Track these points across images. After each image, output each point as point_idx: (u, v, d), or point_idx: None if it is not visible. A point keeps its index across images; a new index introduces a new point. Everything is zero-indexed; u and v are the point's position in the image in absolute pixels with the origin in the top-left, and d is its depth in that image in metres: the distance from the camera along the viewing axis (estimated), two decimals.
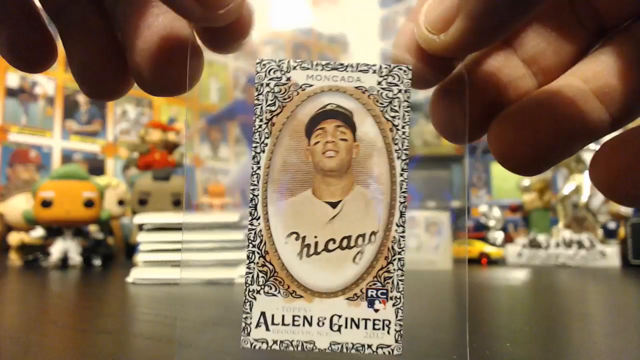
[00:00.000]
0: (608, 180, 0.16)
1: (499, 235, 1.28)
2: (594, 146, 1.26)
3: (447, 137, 0.20)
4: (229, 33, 0.18)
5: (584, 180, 1.19)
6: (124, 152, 1.82)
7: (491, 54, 0.19)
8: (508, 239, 1.32)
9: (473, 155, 1.86)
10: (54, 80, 1.78)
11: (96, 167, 1.82)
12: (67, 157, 1.79)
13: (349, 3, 2.70)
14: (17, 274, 0.81)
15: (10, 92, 1.68)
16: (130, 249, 1.05)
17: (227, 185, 2.01)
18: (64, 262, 0.92)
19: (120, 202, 1.20)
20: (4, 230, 1.15)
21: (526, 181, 1.40)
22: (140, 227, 0.70)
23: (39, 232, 1.00)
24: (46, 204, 0.91)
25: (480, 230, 1.31)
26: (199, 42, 0.18)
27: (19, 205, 1.11)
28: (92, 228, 1.04)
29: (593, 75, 0.17)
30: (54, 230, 0.95)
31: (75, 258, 0.92)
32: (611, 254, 1.03)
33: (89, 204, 0.93)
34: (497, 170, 1.83)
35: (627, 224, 1.02)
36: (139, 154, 1.26)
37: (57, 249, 0.92)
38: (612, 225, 1.28)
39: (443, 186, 1.99)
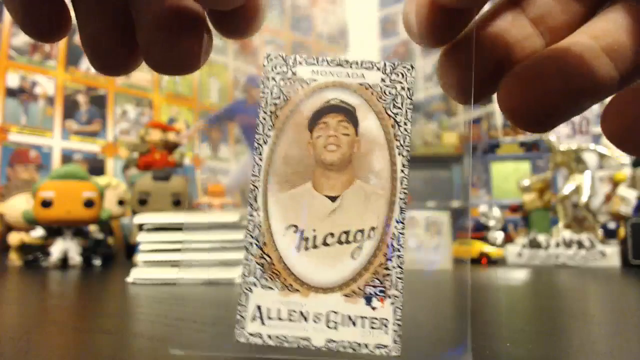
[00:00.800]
0: (619, 130, 0.16)
1: (499, 235, 1.28)
2: (593, 146, 1.26)
3: (455, 97, 0.20)
4: (239, 17, 0.17)
5: (584, 180, 1.19)
6: (124, 152, 1.82)
7: (499, 13, 0.19)
8: (508, 239, 1.32)
9: (473, 156, 1.86)
10: (54, 80, 1.78)
11: (96, 167, 1.82)
12: (67, 157, 1.79)
13: (349, 3, 2.70)
14: (17, 274, 0.81)
15: (10, 92, 1.68)
16: (130, 249, 1.05)
17: (227, 185, 2.01)
18: (64, 262, 0.92)
19: (120, 202, 1.20)
20: (4, 230, 1.15)
21: (526, 181, 1.40)
22: (140, 227, 0.70)
23: (39, 232, 1.00)
24: (46, 204, 0.91)
25: (480, 230, 1.31)
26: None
27: (19, 205, 1.11)
28: (92, 228, 1.04)
29: (602, 33, 0.17)
30: (54, 230, 0.95)
31: (75, 258, 0.92)
32: (611, 254, 1.03)
33: (89, 204, 0.93)
34: (497, 170, 1.82)
35: (627, 224, 1.02)
36: (139, 154, 1.26)
37: (57, 249, 0.92)
38: (612, 225, 1.28)
39: (443, 186, 1.99)
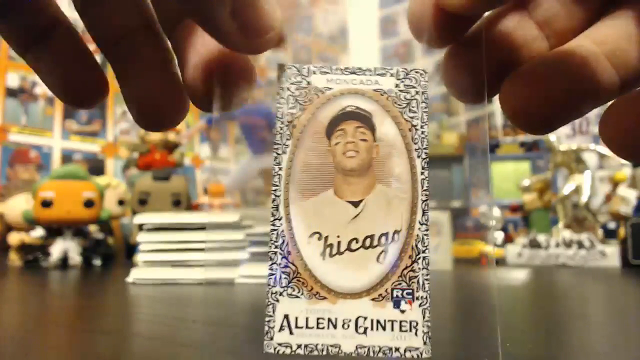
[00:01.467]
0: (617, 135, 0.16)
1: (499, 235, 1.28)
2: (593, 146, 1.26)
3: (459, 96, 0.20)
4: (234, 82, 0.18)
5: (584, 180, 1.19)
6: (124, 152, 1.82)
7: (506, 15, 0.19)
8: (508, 239, 1.32)
9: (473, 156, 1.86)
10: None
11: (96, 167, 1.83)
12: (67, 157, 1.79)
13: (349, 3, 2.70)
14: (17, 274, 0.81)
15: (10, 92, 1.68)
16: (130, 249, 1.05)
17: (227, 185, 2.01)
18: (64, 262, 0.92)
19: (120, 202, 1.20)
20: (4, 230, 1.15)
21: (526, 181, 1.40)
22: (140, 227, 0.70)
23: (39, 232, 1.00)
24: (46, 204, 0.91)
25: (480, 230, 1.31)
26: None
27: (19, 205, 1.11)
28: (92, 228, 1.04)
29: (605, 39, 0.17)
30: (54, 230, 0.95)
31: (75, 258, 0.92)
32: (611, 254, 1.03)
33: (89, 204, 0.93)
34: (497, 170, 1.82)
35: (627, 224, 1.02)
36: (139, 154, 1.26)
37: (57, 249, 0.92)
38: (612, 225, 1.28)
39: (443, 186, 1.99)
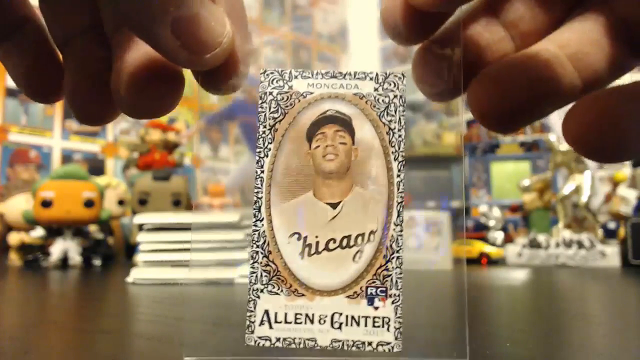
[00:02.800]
0: (577, 134, 0.17)
1: (499, 235, 1.28)
2: None
3: (430, 95, 0.21)
4: (217, 73, 0.18)
5: (584, 180, 1.19)
6: (124, 152, 1.81)
7: (473, 16, 0.20)
8: (508, 239, 1.32)
9: (473, 155, 1.86)
10: None
11: (96, 167, 1.82)
12: (67, 157, 1.79)
13: (349, 3, 2.70)
14: (17, 274, 0.81)
15: (10, 92, 1.68)
16: (130, 249, 1.05)
17: (227, 185, 2.01)
18: (64, 262, 0.92)
19: (120, 202, 1.20)
20: (4, 230, 1.15)
21: (526, 181, 1.40)
22: (140, 227, 0.70)
23: (39, 232, 1.00)
24: (46, 204, 0.91)
25: (480, 230, 1.31)
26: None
27: (19, 205, 1.11)
28: (92, 228, 1.04)
29: (568, 42, 0.18)
30: (54, 230, 0.95)
31: (75, 258, 0.92)
32: (611, 254, 1.03)
33: (89, 204, 0.93)
34: (497, 170, 1.82)
35: (627, 224, 1.02)
36: (139, 154, 1.26)
37: (57, 249, 0.92)
38: (612, 225, 1.28)
39: (443, 186, 1.99)
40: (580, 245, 1.06)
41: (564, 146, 1.25)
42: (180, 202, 1.05)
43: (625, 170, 1.29)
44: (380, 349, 0.20)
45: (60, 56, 0.20)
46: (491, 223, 1.31)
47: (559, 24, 0.19)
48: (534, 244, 1.09)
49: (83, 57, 0.19)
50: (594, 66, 0.18)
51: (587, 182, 1.18)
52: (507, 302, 0.53)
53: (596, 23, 0.18)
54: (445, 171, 2.06)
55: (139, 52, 0.17)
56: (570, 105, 0.18)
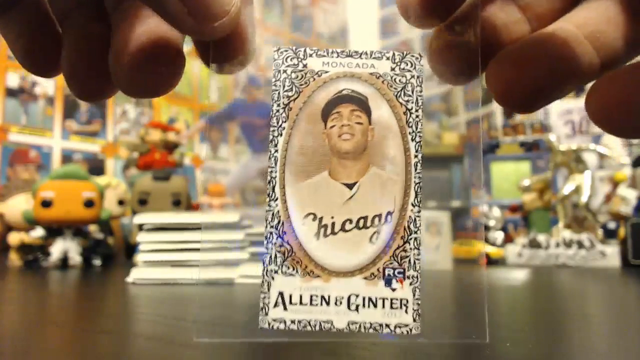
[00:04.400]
0: (600, 111, 0.17)
1: (499, 235, 1.28)
2: (593, 146, 1.26)
3: (446, 77, 0.21)
4: (224, 49, 0.18)
5: (584, 180, 1.19)
6: (124, 152, 1.82)
7: None
8: (508, 239, 1.32)
9: (473, 156, 1.86)
10: (53, 80, 1.78)
11: (96, 167, 1.82)
12: (67, 157, 1.79)
13: (349, 3, 2.70)
14: (17, 274, 0.81)
15: (10, 92, 1.68)
16: (130, 249, 1.05)
17: (227, 185, 2.01)
18: (64, 262, 0.92)
19: (120, 202, 1.20)
20: (4, 230, 1.14)
21: (526, 181, 1.40)
22: (140, 227, 0.70)
23: (39, 232, 1.00)
24: (46, 204, 0.91)
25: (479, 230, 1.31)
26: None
27: (19, 205, 1.11)
28: (92, 228, 1.04)
29: (585, 22, 0.18)
30: (54, 230, 0.95)
31: (75, 258, 0.92)
32: (611, 254, 1.03)
33: (89, 204, 0.93)
34: (497, 170, 1.82)
35: (627, 224, 1.02)
36: (139, 154, 1.26)
37: (57, 249, 0.92)
38: (612, 225, 1.28)
39: (443, 186, 1.99)
40: (580, 245, 1.05)
41: (564, 146, 1.25)
42: (180, 202, 1.05)
43: (625, 170, 1.29)
44: (398, 331, 0.20)
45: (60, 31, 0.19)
46: (491, 223, 1.31)
47: (574, 5, 0.19)
48: (534, 244, 1.09)
49: (82, 32, 0.19)
50: (612, 44, 0.18)
51: (587, 182, 1.18)
52: (507, 302, 0.53)
53: (612, 1, 0.18)
54: (445, 171, 2.06)
55: (140, 30, 0.17)
56: (591, 84, 0.18)
